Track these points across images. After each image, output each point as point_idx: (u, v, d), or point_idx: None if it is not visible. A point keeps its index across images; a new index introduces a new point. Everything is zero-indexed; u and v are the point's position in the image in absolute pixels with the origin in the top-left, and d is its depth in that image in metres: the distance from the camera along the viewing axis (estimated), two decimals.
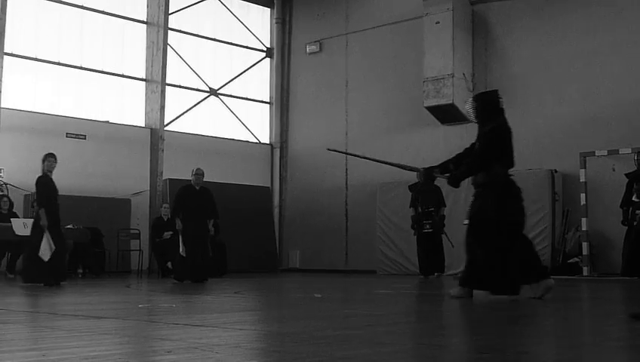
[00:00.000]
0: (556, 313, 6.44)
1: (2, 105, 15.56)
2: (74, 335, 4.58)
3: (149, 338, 4.63)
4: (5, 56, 15.75)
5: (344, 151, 10.78)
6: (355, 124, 19.01)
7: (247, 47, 20.54)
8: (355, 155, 11.36)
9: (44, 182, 11.50)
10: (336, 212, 19.00)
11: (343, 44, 19.55)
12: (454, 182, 8.01)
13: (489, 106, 7.89)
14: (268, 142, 20.61)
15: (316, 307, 7.28)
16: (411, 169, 9.33)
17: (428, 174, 8.51)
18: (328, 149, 9.90)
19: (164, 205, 16.35)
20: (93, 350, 3.88)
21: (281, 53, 20.82)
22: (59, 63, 17.00)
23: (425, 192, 14.53)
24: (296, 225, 19.81)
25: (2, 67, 15.62)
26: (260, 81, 20.83)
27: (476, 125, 7.95)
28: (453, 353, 4.00)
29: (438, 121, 17.25)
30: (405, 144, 17.73)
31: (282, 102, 20.67)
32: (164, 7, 18.21)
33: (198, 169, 12.90)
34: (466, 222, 7.91)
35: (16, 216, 14.07)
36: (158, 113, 18.04)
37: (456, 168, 8.02)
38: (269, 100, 20.83)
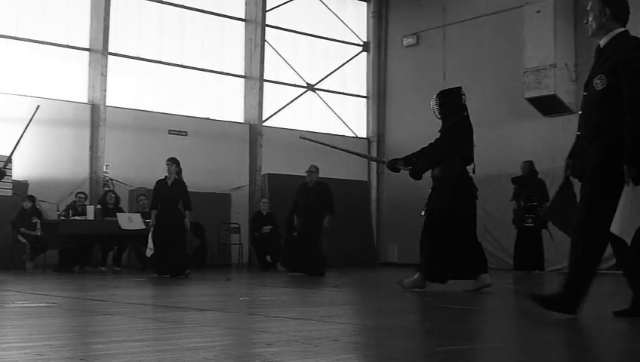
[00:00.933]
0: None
1: (107, 104, 16.08)
2: (177, 327, 4.67)
3: (249, 330, 4.69)
4: (109, 56, 16.26)
5: (314, 140, 11.03)
6: None
7: (343, 42, 20.55)
8: (324, 144, 11.25)
9: (156, 185, 12.21)
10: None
11: (440, 36, 19.32)
12: (415, 175, 8.44)
13: (451, 103, 8.23)
14: (365, 136, 20.58)
15: (414, 301, 7.22)
16: (377, 160, 9.66)
17: (392, 166, 8.80)
18: (301, 137, 10.12)
19: (263, 200, 16.55)
20: (195, 341, 3.95)
21: (378, 46, 20.74)
22: (160, 62, 17.41)
23: (528, 186, 14.22)
24: (394, 218, 19.70)
25: (107, 66, 16.12)
26: (357, 75, 20.81)
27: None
28: (557, 349, 3.90)
29: (539, 113, 16.84)
30: (506, 136, 17.39)
31: (379, 96, 20.60)
32: (261, 5, 18.42)
33: (310, 166, 13.01)
34: (423, 213, 8.24)
35: (122, 211, 14.50)
36: (257, 109, 18.27)
37: (418, 161, 8.40)
38: (365, 94, 20.80)
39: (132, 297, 7.73)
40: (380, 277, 13.58)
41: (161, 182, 12.20)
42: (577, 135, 5.34)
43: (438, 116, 8.35)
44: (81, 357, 3.38)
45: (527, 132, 17.13)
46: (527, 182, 14.15)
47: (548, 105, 16.48)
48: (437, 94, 8.49)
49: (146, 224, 13.00)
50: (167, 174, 12.18)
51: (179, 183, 12.14)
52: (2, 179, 10.48)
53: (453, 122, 8.18)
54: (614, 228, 4.91)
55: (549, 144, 15.97)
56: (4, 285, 9.26)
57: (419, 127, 19.27)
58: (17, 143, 10.26)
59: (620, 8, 5.23)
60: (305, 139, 10.21)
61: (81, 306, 6.50)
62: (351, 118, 20.47)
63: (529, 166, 14.48)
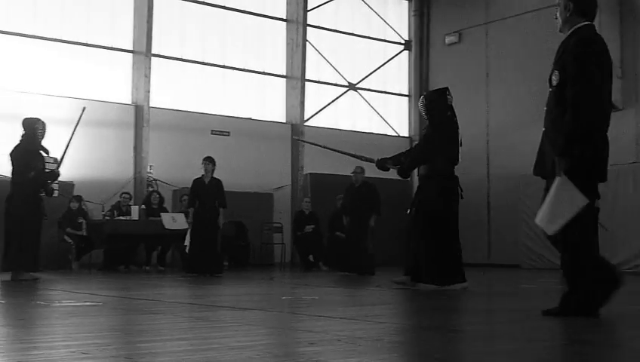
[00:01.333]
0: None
1: (151, 105, 16.24)
2: (220, 326, 4.69)
3: (292, 329, 4.69)
4: (153, 58, 16.42)
5: (309, 141, 11.15)
6: (497, 114, 18.58)
7: (385, 41, 20.49)
8: (319, 145, 11.29)
9: (193, 184, 12.46)
10: (478, 204, 18.64)
11: (482, 33, 19.15)
12: (402, 174, 8.72)
13: (436, 104, 8.48)
14: (407, 135, 20.50)
15: (458, 301, 7.16)
16: (367, 160, 9.58)
17: (381, 165, 8.97)
18: (295, 138, 10.16)
19: (305, 199, 16.57)
20: (238, 341, 3.96)
21: (420, 45, 20.64)
22: (203, 63, 17.54)
23: None
24: None
25: (150, 68, 16.29)
26: (399, 74, 20.73)
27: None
28: (606, 351, 3.82)
29: None
30: None
31: (421, 94, 20.46)
32: (302, 5, 18.45)
33: (356, 167, 13.03)
34: (408, 211, 8.50)
35: (166, 211, 14.62)
36: (298, 109, 18.31)
37: (405, 161, 8.66)
38: (407, 93, 20.72)
39: (176, 296, 7.79)
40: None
41: (198, 181, 12.44)
42: (543, 131, 5.42)
43: (425, 116, 8.64)
44: (126, 356, 3.40)
45: None
46: None
47: None
48: (423, 95, 8.87)
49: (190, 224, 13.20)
50: (203, 173, 12.37)
51: (216, 182, 12.39)
52: (56, 180, 10.65)
53: (438, 123, 8.42)
54: (538, 218, 5.02)
55: None
56: (51, 284, 9.39)
57: (462, 125, 19.09)
58: (67, 145, 10.42)
59: (585, 3, 5.18)
60: (299, 140, 10.43)
61: (126, 305, 6.56)
62: (393, 117, 20.40)
63: None
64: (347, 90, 19.69)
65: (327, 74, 19.35)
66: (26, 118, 10.20)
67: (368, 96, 20.03)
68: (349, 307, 6.42)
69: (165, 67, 16.97)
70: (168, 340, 4.04)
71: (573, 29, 5.16)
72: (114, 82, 16.36)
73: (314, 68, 18.96)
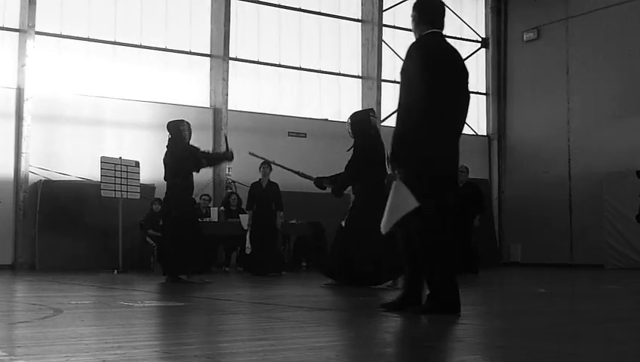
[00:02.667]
0: None
1: (229, 108, 16.44)
2: (300, 326, 4.70)
3: (370, 330, 4.67)
4: (230, 61, 16.62)
5: (259, 155, 11.36)
6: (578, 112, 18.16)
7: (461, 39, 20.25)
8: (261, 158, 11.81)
9: (251, 187, 12.90)
10: (559, 203, 18.25)
11: (562, 29, 18.74)
12: (335, 193, 9.27)
13: (360, 124, 9.20)
14: (485, 133, 20.23)
15: (541, 302, 7.02)
16: (306, 177, 9.98)
17: (318, 183, 9.62)
18: (250, 153, 10.45)
19: None
20: (317, 341, 3.97)
21: (497, 42, 20.34)
22: (279, 65, 17.66)
23: None
24: (517, 217, 19.27)
25: (228, 71, 16.49)
26: (476, 71, 20.45)
27: None
28: None
29: None
30: (635, 131, 16.68)
31: (499, 92, 20.20)
32: (378, 5, 18.40)
33: (461, 166, 12.92)
34: (343, 223, 9.19)
35: (245, 213, 14.76)
36: (375, 109, 18.23)
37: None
38: (485, 91, 20.44)
39: (255, 296, 7.86)
40: (502, 276, 13.29)
41: (255, 185, 12.86)
42: None
43: (351, 136, 9.27)
44: (207, 356, 3.44)
45: None
46: None
47: None
48: (349, 116, 9.58)
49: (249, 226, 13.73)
50: (260, 177, 12.76)
51: (273, 185, 12.79)
52: (232, 160, 10.96)
53: (361, 142, 9.06)
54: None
55: None
56: (133, 285, 9.59)
57: (540, 124, 18.85)
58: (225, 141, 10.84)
59: (428, 13, 5.42)
60: (253, 155, 10.74)
61: (207, 305, 6.65)
62: (471, 116, 19.91)
63: None
64: None
65: None
66: (170, 121, 10.50)
67: None
68: None
69: (242, 70, 17.15)
70: (249, 340, 4.08)
71: (416, 38, 5.42)
72: (192, 86, 16.62)
73: (390, 68, 18.88)
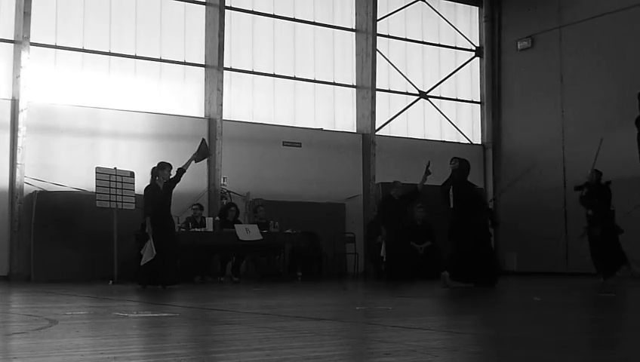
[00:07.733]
0: None
1: (224, 118, 16.45)
2: (295, 336, 4.70)
3: (367, 339, 4.67)
4: (225, 71, 16.64)
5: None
6: (572, 120, 18.19)
7: (455, 48, 20.31)
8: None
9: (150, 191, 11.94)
10: (555, 212, 18.27)
11: (556, 38, 18.79)
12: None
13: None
14: (480, 142, 20.26)
15: (536, 310, 7.02)
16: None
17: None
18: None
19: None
20: (314, 351, 3.96)
21: (491, 51, 20.39)
22: (274, 75, 17.69)
23: None
24: (512, 226, 19.27)
25: (222, 81, 16.50)
26: (470, 81, 20.52)
27: None
28: None
29: None
30: (630, 139, 16.69)
31: (493, 101, 20.24)
32: (371, 14, 18.44)
33: (395, 182, 13.86)
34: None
35: (239, 222, 14.75)
36: (369, 118, 18.29)
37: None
38: (479, 100, 20.48)
39: (251, 306, 7.84)
40: (498, 285, 13.28)
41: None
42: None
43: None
44: None
45: None
46: None
47: None
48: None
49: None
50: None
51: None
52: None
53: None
54: None
55: None
56: (128, 296, 9.57)
57: (535, 132, 18.87)
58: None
59: None
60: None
61: (202, 316, 6.64)
62: (465, 125, 20.19)
63: None
64: (418, 99, 19.58)
65: (397, 83, 19.28)
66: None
67: (439, 104, 19.88)
68: (424, 317, 6.36)
69: (237, 80, 17.17)
70: (244, 350, 4.07)
71: None
72: (187, 96, 16.63)
73: (384, 77, 18.92)
